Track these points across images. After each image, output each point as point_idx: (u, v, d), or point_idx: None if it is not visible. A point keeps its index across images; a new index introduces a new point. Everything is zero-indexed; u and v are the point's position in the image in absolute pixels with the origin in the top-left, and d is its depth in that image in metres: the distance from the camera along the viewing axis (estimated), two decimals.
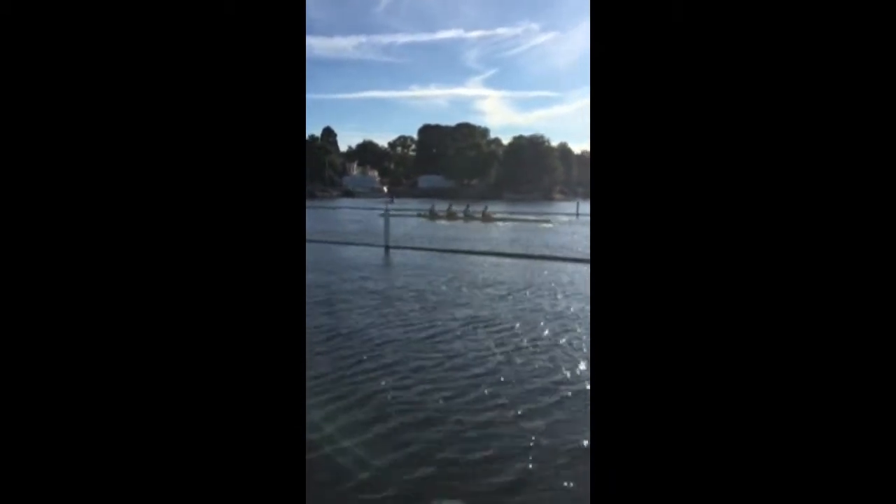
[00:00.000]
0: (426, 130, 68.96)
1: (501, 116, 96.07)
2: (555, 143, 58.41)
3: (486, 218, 21.46)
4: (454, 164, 58.70)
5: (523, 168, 53.81)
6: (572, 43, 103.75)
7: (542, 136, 57.63)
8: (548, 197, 50.62)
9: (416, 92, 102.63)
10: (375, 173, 67.22)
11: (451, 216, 22.30)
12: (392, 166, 71.61)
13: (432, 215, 22.83)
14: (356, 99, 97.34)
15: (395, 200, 37.53)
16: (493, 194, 49.45)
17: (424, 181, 60.64)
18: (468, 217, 21.97)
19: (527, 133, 60.07)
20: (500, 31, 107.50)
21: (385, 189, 57.77)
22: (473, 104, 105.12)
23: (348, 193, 54.33)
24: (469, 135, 66.25)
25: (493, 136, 67.18)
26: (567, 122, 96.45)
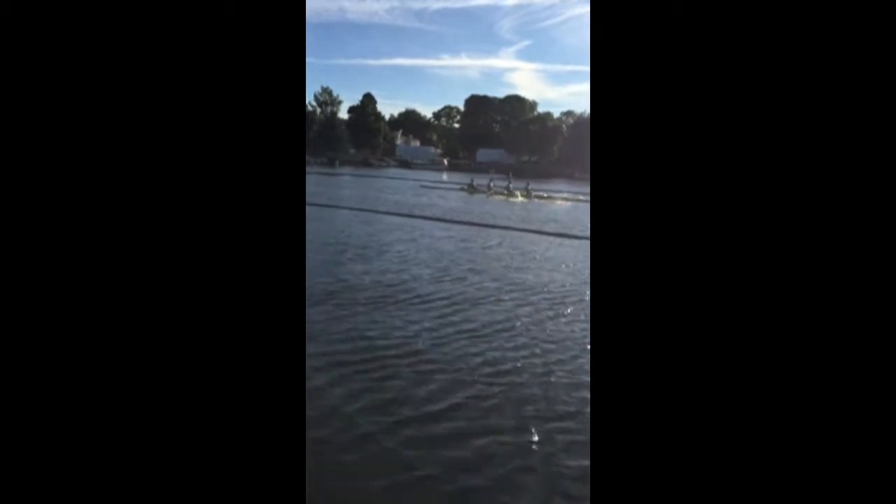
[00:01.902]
0: (473, 101, 66.21)
1: (534, 90, 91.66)
2: None
3: (528, 195, 20.02)
4: (516, 137, 55.47)
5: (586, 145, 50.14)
6: None
7: None
8: None
9: (447, 61, 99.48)
10: (418, 143, 65.46)
11: (491, 192, 20.98)
12: (434, 137, 69.52)
13: (471, 189, 21.59)
14: (383, 66, 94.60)
15: (446, 175, 35.32)
16: (561, 172, 44.83)
17: (483, 155, 56.86)
18: (509, 194, 20.50)
19: (560, 108, 56.80)
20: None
21: (445, 162, 54.51)
22: (505, 76, 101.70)
23: (405, 164, 51.59)
24: (518, 108, 63.35)
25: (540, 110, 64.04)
26: None
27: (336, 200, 15.19)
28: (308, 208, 9.32)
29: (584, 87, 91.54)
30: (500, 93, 69.70)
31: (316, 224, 10.22)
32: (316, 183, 22.55)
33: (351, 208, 13.69)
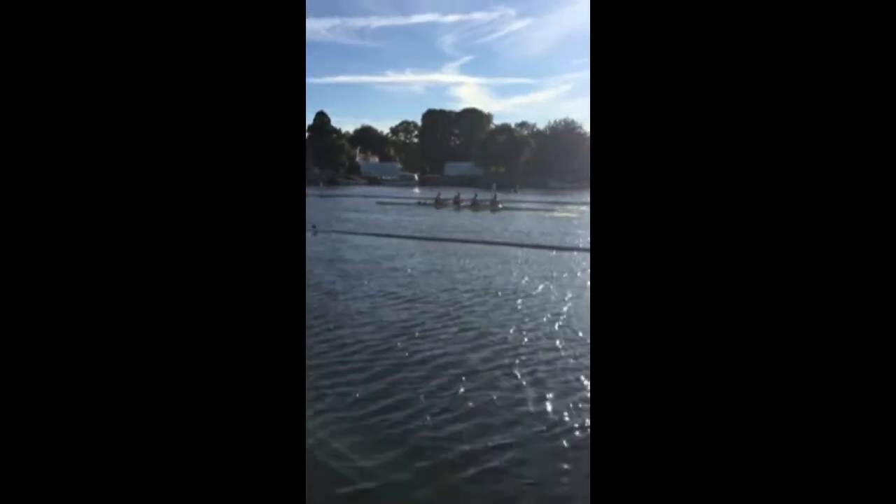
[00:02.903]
0: (430, 116, 66.20)
1: (479, 103, 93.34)
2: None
3: (493, 207, 19.79)
4: (485, 149, 54.47)
5: (559, 155, 49.13)
6: (548, 29, 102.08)
7: (574, 122, 52.88)
8: None
9: (392, 77, 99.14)
10: (377, 159, 64.31)
11: (457, 204, 20.86)
12: (392, 152, 68.54)
13: (437, 203, 21.25)
14: (327, 84, 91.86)
15: (419, 189, 34.32)
16: (535, 183, 43.26)
17: (452, 168, 55.93)
18: (477, 206, 20.24)
19: (505, 120, 57.38)
20: (477, 15, 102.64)
21: (416, 177, 52.66)
22: (451, 90, 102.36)
23: (374, 181, 49.58)
24: (476, 121, 63.78)
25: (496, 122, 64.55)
26: (545, 108, 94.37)
27: (335, 227, 13.62)
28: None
29: (528, 99, 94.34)
30: (447, 106, 70.04)
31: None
32: None
33: (353, 233, 12.43)
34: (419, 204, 21.88)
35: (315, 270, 7.36)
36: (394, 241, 11.06)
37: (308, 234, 10.96)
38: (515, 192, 21.13)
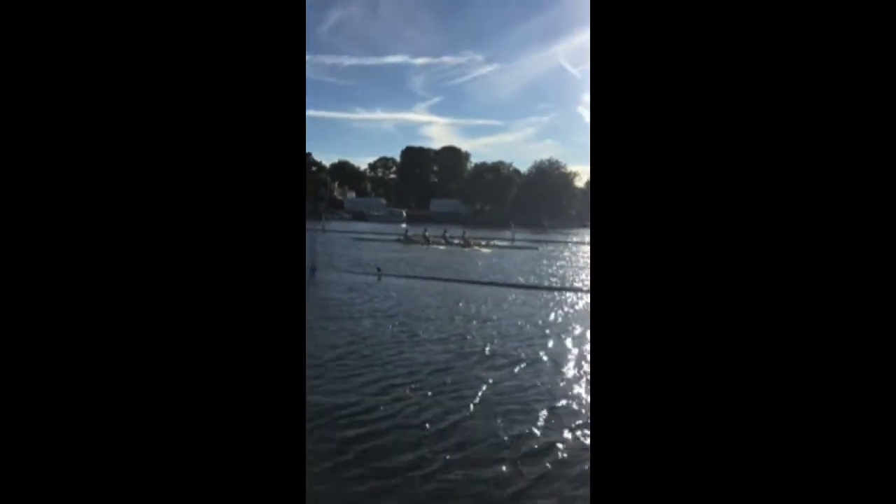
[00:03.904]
0: (409, 152, 67.04)
1: (449, 143, 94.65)
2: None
3: (466, 244, 19.75)
4: (472, 187, 54.37)
5: (546, 194, 48.96)
6: (515, 74, 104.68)
7: (559, 161, 53.25)
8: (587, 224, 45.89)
9: (362, 115, 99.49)
10: (353, 194, 64.17)
11: (426, 241, 20.67)
12: (369, 187, 68.75)
13: (407, 240, 21.11)
14: None
15: (405, 225, 33.19)
16: (529, 221, 39.95)
17: (438, 205, 55.11)
18: (447, 242, 20.20)
19: (475, 159, 57.94)
20: (446, 59, 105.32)
21: (404, 213, 50.20)
22: (420, 130, 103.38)
23: (360, 216, 47.44)
24: (454, 158, 64.81)
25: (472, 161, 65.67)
26: (512, 149, 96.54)
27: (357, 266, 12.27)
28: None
29: (496, 139, 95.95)
30: (417, 144, 70.81)
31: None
32: None
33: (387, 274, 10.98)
34: (396, 240, 21.74)
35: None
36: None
37: (373, 279, 10.09)
38: (512, 232, 21.23)
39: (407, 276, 11.01)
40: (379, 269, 11.02)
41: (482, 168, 57.95)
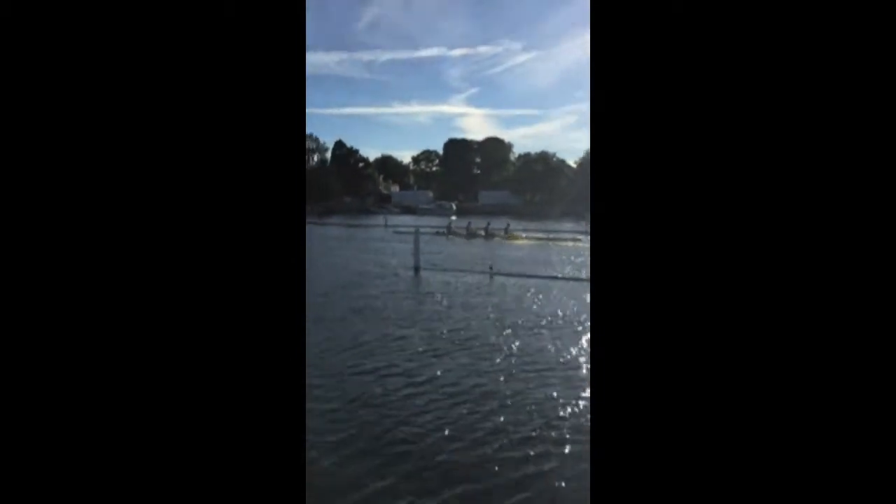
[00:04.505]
0: (452, 144, 67.03)
1: (486, 135, 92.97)
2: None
3: (510, 237, 19.74)
4: (522, 177, 53.29)
5: None
6: (552, 62, 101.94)
7: None
8: None
9: (398, 108, 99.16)
10: (397, 187, 64.92)
11: (470, 234, 20.80)
12: (412, 181, 69.27)
13: (450, 232, 21.31)
14: (335, 115, 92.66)
15: (455, 218, 33.39)
16: (579, 210, 36.86)
17: (486, 197, 54.42)
18: (489, 235, 20.23)
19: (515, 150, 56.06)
20: (482, 49, 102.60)
21: (454, 206, 50.45)
22: (457, 121, 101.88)
23: (409, 210, 47.90)
24: (499, 149, 64.29)
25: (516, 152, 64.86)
26: (551, 139, 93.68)
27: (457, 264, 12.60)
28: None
29: (534, 129, 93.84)
30: (453, 136, 70.05)
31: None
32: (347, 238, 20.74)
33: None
34: (436, 233, 21.93)
35: None
36: None
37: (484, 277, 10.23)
38: (507, 225, 20.75)
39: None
40: (491, 268, 11.18)
41: (530, 158, 56.95)
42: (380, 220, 33.48)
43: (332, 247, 17.33)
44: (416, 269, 11.32)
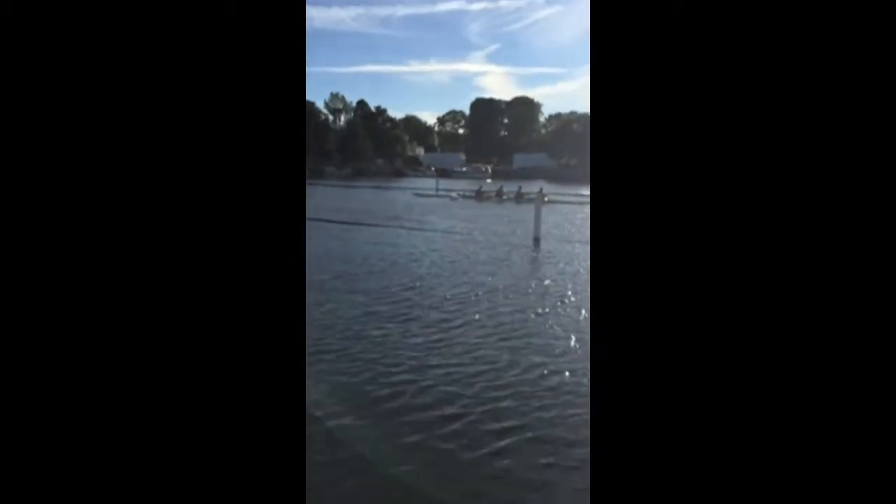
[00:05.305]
0: (479, 105, 65.04)
1: (507, 93, 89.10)
2: None
3: (519, 198, 19.58)
4: (558, 138, 51.50)
5: None
6: (576, 17, 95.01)
7: None
8: None
9: (416, 67, 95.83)
10: (422, 150, 63.34)
11: (499, 195, 20.85)
12: (437, 142, 67.43)
13: (479, 196, 21.14)
14: (352, 73, 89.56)
15: (489, 181, 32.42)
16: None
17: (521, 160, 52.23)
18: (521, 199, 19.80)
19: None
20: (504, 3, 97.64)
21: (489, 169, 48.49)
22: (476, 80, 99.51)
23: (444, 173, 45.02)
24: (527, 110, 62.27)
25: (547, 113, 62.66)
26: (574, 98, 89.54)
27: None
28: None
29: (556, 88, 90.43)
30: (472, 96, 67.35)
31: None
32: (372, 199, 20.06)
33: None
34: (463, 197, 21.37)
35: None
36: None
37: (529, 252, 9.28)
38: (541, 189, 19.97)
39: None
40: (538, 238, 10.43)
41: (564, 119, 54.96)
42: (423, 182, 32.04)
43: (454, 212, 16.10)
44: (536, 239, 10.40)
